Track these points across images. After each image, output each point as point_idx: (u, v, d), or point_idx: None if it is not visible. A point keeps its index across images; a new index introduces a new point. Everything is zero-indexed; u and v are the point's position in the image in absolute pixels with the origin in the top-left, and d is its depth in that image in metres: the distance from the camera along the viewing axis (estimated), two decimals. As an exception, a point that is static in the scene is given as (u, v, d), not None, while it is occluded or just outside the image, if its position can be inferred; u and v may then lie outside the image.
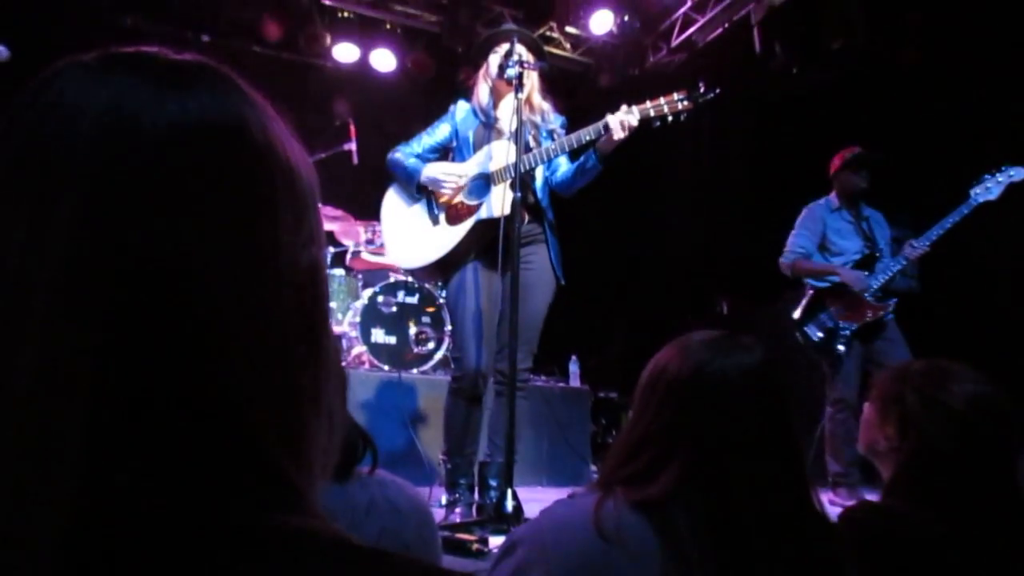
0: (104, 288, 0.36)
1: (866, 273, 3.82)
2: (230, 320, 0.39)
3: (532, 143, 2.89)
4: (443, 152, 3.05)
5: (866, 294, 3.76)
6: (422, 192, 2.98)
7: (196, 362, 0.37)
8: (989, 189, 3.59)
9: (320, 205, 0.48)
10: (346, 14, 5.81)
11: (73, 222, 0.36)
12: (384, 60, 5.97)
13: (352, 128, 4.48)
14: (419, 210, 3.01)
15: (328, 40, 5.79)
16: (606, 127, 2.73)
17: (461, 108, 3.05)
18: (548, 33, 6.24)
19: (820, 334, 3.85)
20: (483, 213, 2.86)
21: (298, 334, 0.43)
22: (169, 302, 0.37)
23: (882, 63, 4.79)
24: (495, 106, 3.00)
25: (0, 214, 0.37)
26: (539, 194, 2.95)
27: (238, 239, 0.40)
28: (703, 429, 1.00)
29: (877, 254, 3.85)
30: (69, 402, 0.35)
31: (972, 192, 3.61)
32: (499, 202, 2.81)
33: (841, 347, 3.78)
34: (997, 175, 3.60)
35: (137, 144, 0.38)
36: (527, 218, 2.89)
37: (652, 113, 2.78)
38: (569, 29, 6.27)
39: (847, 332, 3.80)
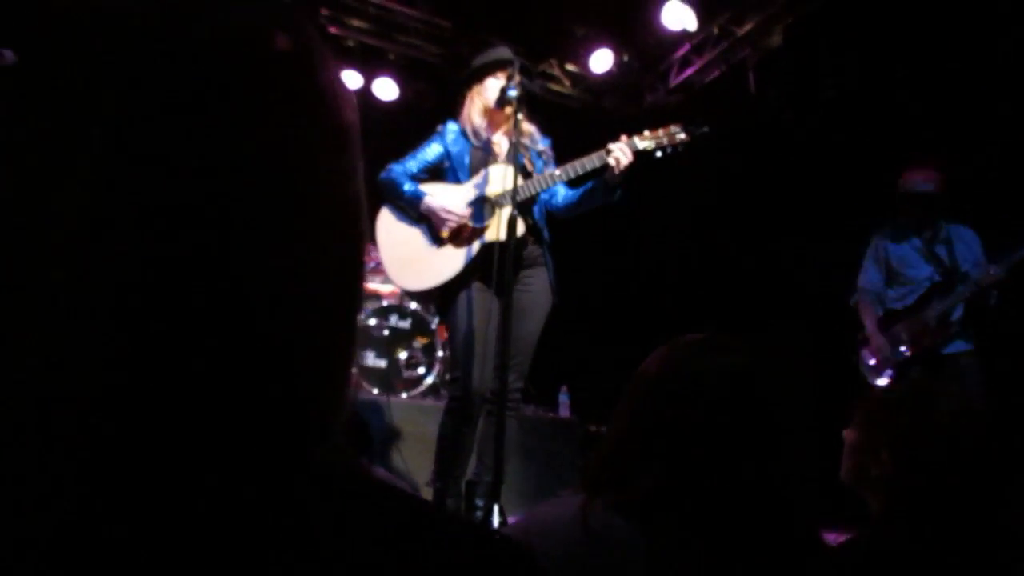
0: (137, 215, 0.34)
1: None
2: (269, 248, 0.37)
3: (528, 166, 2.92)
4: (434, 171, 3.07)
5: (932, 323, 3.52)
6: (423, 214, 2.99)
7: (226, 289, 0.36)
8: None
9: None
10: (350, 43, 5.90)
11: (104, 140, 0.34)
12: (386, 89, 6.05)
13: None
14: (420, 231, 3.00)
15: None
16: (608, 152, 2.78)
17: (450, 129, 3.08)
18: (548, 70, 6.34)
19: (872, 361, 3.70)
20: (486, 237, 2.89)
21: (336, 268, 0.42)
22: (205, 224, 0.35)
23: (876, 108, 4.87)
24: (488, 130, 3.03)
25: (36, 127, 0.34)
26: (537, 216, 2.99)
27: (276, 159, 0.38)
28: (681, 429, 1.00)
29: (954, 280, 3.55)
30: (100, 343, 0.33)
31: None
32: (500, 226, 2.83)
33: (889, 371, 3.64)
34: None
35: (179, 53, 0.36)
36: (530, 241, 2.92)
37: (652, 145, 2.83)
38: (569, 67, 6.38)
39: (902, 357, 3.62)
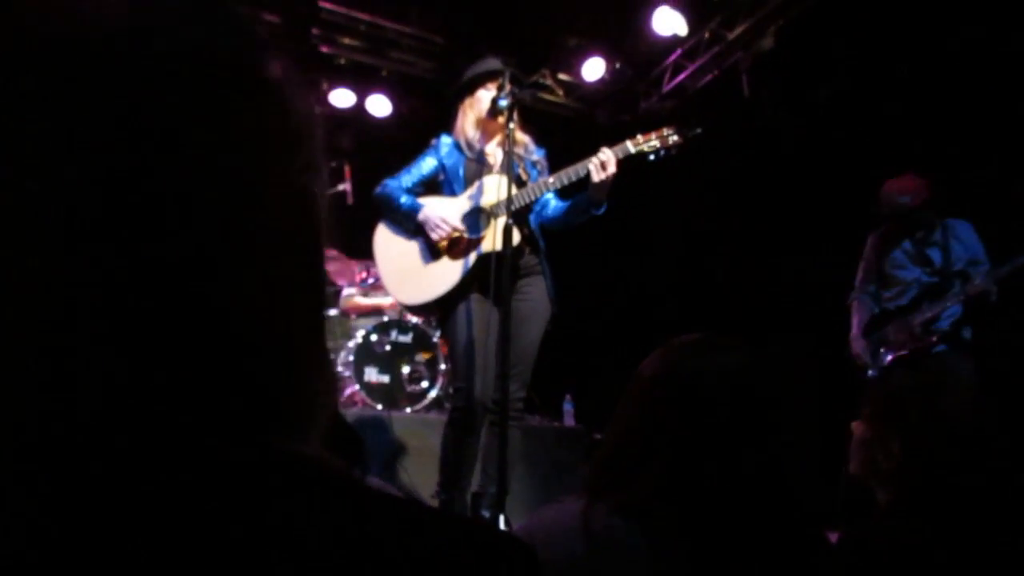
0: (85, 213, 0.35)
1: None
2: (218, 242, 0.38)
3: (523, 175, 2.93)
4: (429, 185, 3.08)
5: (916, 329, 3.55)
6: (419, 227, 3.00)
7: (184, 285, 0.36)
8: None
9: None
10: (342, 61, 5.92)
11: (59, 141, 0.35)
12: (380, 105, 6.06)
13: (347, 169, 4.53)
14: (417, 245, 3.01)
15: (324, 86, 5.89)
16: (597, 163, 2.78)
17: (444, 142, 3.09)
18: (541, 80, 6.36)
19: (866, 355, 3.74)
20: (483, 247, 2.89)
21: (293, 259, 0.42)
22: (154, 221, 0.36)
23: (870, 109, 4.89)
24: (482, 141, 3.04)
25: None
26: (532, 225, 2.99)
27: (228, 163, 0.39)
28: (679, 428, 1.00)
29: (938, 282, 3.58)
30: (62, 332, 0.34)
31: None
32: (496, 236, 2.83)
33: (871, 372, 3.68)
34: None
35: (139, 65, 0.37)
36: (527, 250, 2.93)
37: (645, 148, 2.84)
38: (562, 76, 6.40)
39: (885, 359, 3.66)
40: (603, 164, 2.75)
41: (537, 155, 3.07)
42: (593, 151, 2.85)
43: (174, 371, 0.36)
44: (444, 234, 2.90)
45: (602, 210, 2.87)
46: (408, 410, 4.35)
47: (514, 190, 2.72)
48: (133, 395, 0.35)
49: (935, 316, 3.53)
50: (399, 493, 0.95)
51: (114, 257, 0.35)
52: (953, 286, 3.54)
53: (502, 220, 2.73)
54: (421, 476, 3.84)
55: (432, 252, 2.97)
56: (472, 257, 2.90)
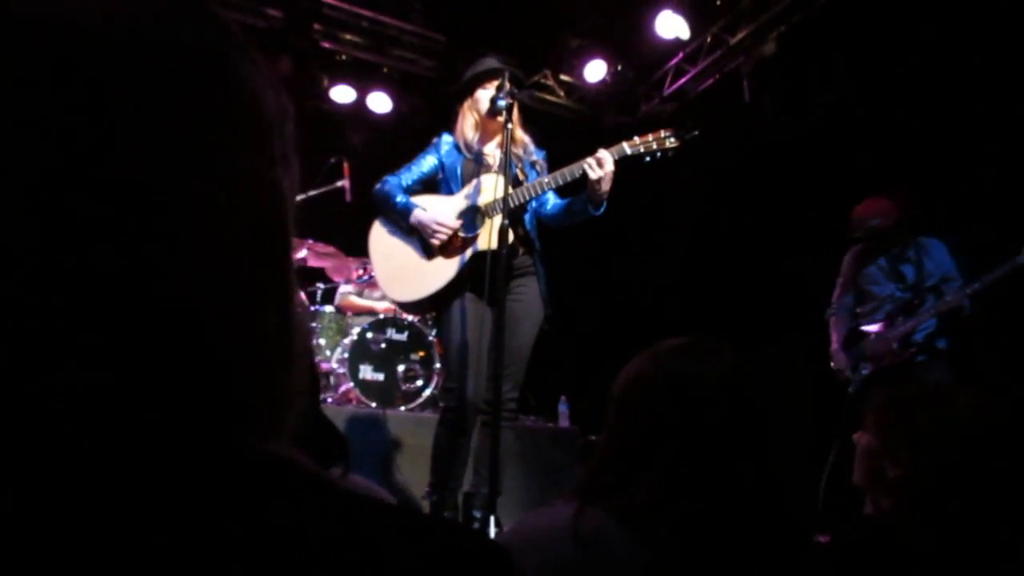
0: (48, 201, 0.34)
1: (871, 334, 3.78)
2: (184, 233, 0.37)
3: (520, 176, 2.93)
4: (428, 183, 3.09)
5: (894, 344, 3.67)
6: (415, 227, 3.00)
7: (149, 278, 0.36)
8: None
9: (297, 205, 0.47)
10: (343, 57, 5.91)
11: (15, 131, 0.34)
12: (380, 102, 6.06)
13: (346, 166, 4.53)
14: (412, 243, 3.01)
15: (325, 82, 5.88)
16: (594, 163, 2.78)
17: (445, 141, 3.10)
18: (543, 81, 6.36)
19: (847, 369, 3.84)
20: (478, 245, 2.88)
21: (259, 254, 0.41)
22: (118, 214, 0.35)
23: (870, 114, 4.89)
24: (481, 141, 3.05)
25: None
26: (528, 225, 2.99)
27: (192, 155, 0.38)
28: (680, 435, 0.99)
29: (912, 298, 3.70)
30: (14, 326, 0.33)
31: (1020, 257, 3.34)
32: (491, 235, 2.83)
33: (851, 389, 3.78)
34: None
35: (88, 55, 0.36)
36: (521, 251, 2.92)
37: (642, 149, 2.84)
38: (563, 77, 6.40)
39: (864, 372, 3.77)
40: (599, 162, 2.75)
41: (537, 156, 3.06)
42: (592, 152, 2.85)
43: (135, 371, 0.35)
44: (443, 238, 2.90)
45: (601, 211, 2.86)
46: (403, 408, 4.34)
47: (510, 190, 2.72)
48: (94, 397, 0.34)
49: (911, 330, 3.64)
50: (377, 494, 0.94)
51: (69, 251, 0.34)
52: (926, 301, 3.66)
53: (497, 219, 2.73)
54: (415, 475, 3.83)
55: (426, 250, 2.97)
56: (466, 256, 2.90)
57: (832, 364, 3.94)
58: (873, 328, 3.80)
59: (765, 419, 1.02)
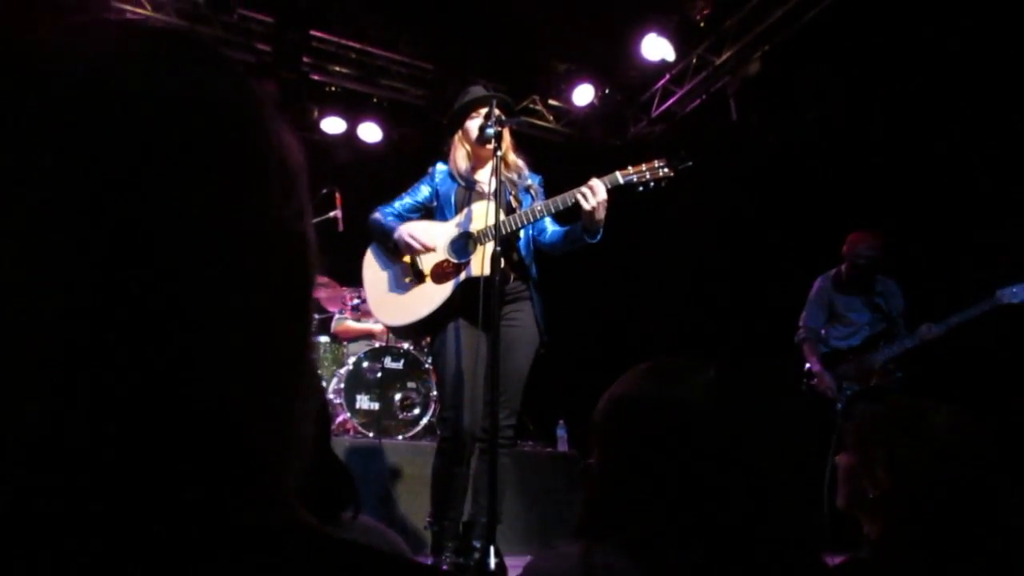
0: (78, 260, 0.34)
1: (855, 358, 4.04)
2: (214, 289, 0.37)
3: (513, 202, 2.94)
4: (423, 212, 3.10)
5: (878, 366, 3.94)
6: (403, 251, 3.00)
7: (177, 337, 0.36)
8: (1015, 293, 3.63)
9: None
10: (333, 88, 5.95)
11: (43, 193, 0.34)
12: (371, 132, 6.09)
13: (338, 196, 4.54)
14: (403, 268, 3.03)
15: (316, 113, 5.92)
16: (586, 191, 2.77)
17: (439, 170, 3.12)
18: (531, 106, 6.41)
19: (832, 387, 4.03)
20: (470, 271, 2.89)
21: (285, 307, 0.41)
22: (147, 270, 0.35)
23: (857, 132, 4.93)
24: (473, 169, 3.07)
25: None
26: (523, 252, 2.99)
27: (225, 207, 0.38)
28: (672, 459, 0.97)
29: (894, 328, 4.01)
30: (36, 387, 0.33)
31: (998, 292, 3.65)
32: (484, 261, 2.83)
33: (839, 405, 3.96)
34: None
35: (117, 113, 0.36)
36: (512, 277, 2.92)
37: (635, 179, 2.85)
38: (552, 102, 6.45)
39: (848, 392, 3.97)
40: (592, 191, 2.75)
41: (531, 180, 3.08)
42: (584, 176, 2.86)
43: (155, 425, 0.35)
44: (417, 248, 2.90)
45: (597, 238, 2.86)
46: (400, 437, 4.32)
47: (503, 216, 2.73)
48: (113, 450, 0.34)
49: (895, 355, 3.94)
50: (385, 537, 0.93)
51: (101, 303, 0.34)
52: (898, 330, 3.99)
53: (490, 246, 2.73)
54: (414, 504, 3.80)
55: (417, 276, 2.98)
56: (458, 280, 2.90)
57: (815, 383, 4.11)
58: (845, 349, 4.10)
59: (753, 436, 1.01)
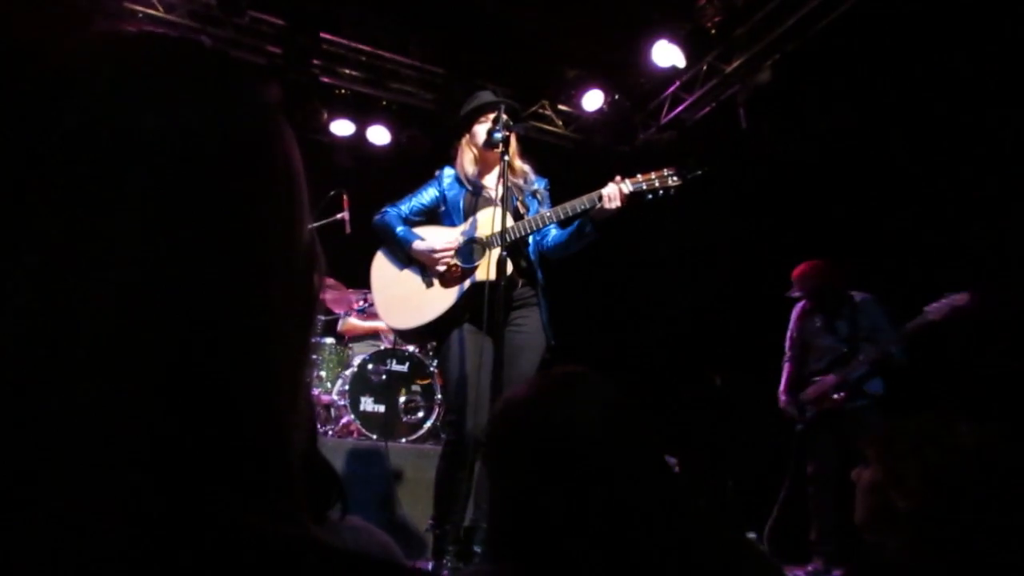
0: (99, 282, 0.35)
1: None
2: (238, 312, 0.38)
3: (520, 208, 2.94)
4: (429, 215, 3.11)
5: (830, 390, 4.16)
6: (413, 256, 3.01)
7: (203, 356, 0.37)
8: (936, 309, 3.81)
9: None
10: (343, 91, 5.96)
11: (59, 217, 0.35)
12: (379, 135, 6.10)
13: (345, 198, 4.54)
14: (411, 272, 3.03)
15: (325, 116, 5.93)
16: (600, 197, 2.80)
17: (447, 174, 3.13)
18: (540, 111, 6.41)
19: (792, 410, 4.37)
20: (476, 277, 2.89)
21: (294, 323, 0.42)
22: (174, 285, 0.36)
23: (866, 141, 4.92)
24: (480, 174, 3.08)
25: None
26: (531, 257, 2.99)
27: (246, 230, 0.39)
28: (556, 480, 0.97)
29: (847, 350, 4.17)
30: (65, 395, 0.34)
31: (926, 309, 3.85)
32: (490, 267, 2.83)
33: (799, 426, 4.29)
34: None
35: (135, 141, 0.37)
36: (520, 282, 2.93)
37: (644, 187, 2.85)
38: (561, 107, 6.45)
39: (809, 415, 4.26)
40: (611, 197, 2.79)
41: (538, 185, 3.08)
42: (592, 181, 2.87)
43: (175, 441, 0.35)
44: (446, 263, 2.92)
45: (599, 233, 2.89)
46: (404, 440, 4.31)
47: (510, 222, 2.73)
48: (140, 467, 0.34)
49: (843, 379, 4.12)
50: (372, 536, 0.93)
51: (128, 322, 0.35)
52: (860, 352, 4.12)
53: (496, 252, 2.74)
54: (418, 508, 3.79)
55: (425, 280, 2.98)
56: (464, 286, 2.90)
57: (781, 406, 4.43)
58: (819, 377, 4.28)
59: (652, 434, 1.03)
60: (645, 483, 0.99)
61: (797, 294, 4.40)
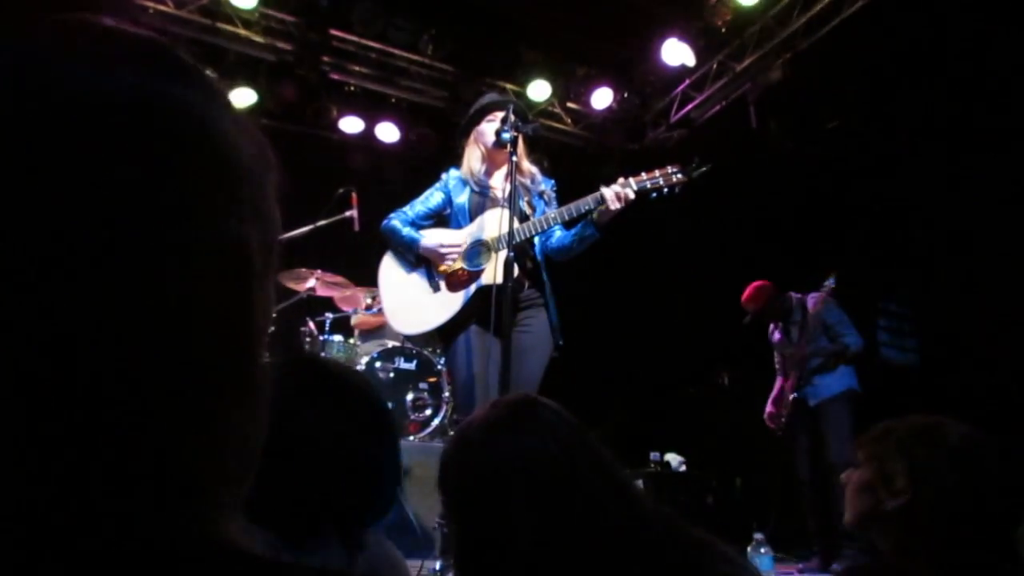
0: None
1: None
2: (130, 299, 0.35)
3: (527, 209, 2.94)
4: (436, 218, 3.10)
5: (789, 394, 4.39)
6: (421, 260, 3.02)
7: (88, 347, 0.34)
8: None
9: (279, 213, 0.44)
10: (352, 88, 5.97)
11: None
12: (388, 132, 6.10)
13: (354, 196, 4.54)
14: (418, 277, 3.04)
15: (334, 113, 5.94)
16: (602, 198, 2.79)
17: (453, 176, 3.12)
18: (549, 108, 6.40)
19: (771, 422, 4.53)
20: (483, 280, 2.89)
21: (215, 322, 0.38)
22: (72, 284, 0.33)
23: (876, 141, 4.89)
24: (488, 174, 3.06)
25: None
26: (537, 258, 2.99)
27: (146, 211, 0.36)
28: (544, 502, 0.99)
29: (795, 351, 4.42)
30: None
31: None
32: (497, 269, 2.83)
33: (779, 433, 4.48)
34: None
35: (36, 109, 0.35)
36: (526, 284, 2.92)
37: (648, 185, 2.84)
38: (570, 105, 6.44)
39: (784, 420, 4.43)
40: (616, 197, 2.78)
41: (544, 186, 3.08)
42: (600, 179, 2.86)
43: (76, 451, 0.33)
44: (455, 255, 2.92)
45: (601, 234, 2.89)
46: (412, 438, 4.32)
47: (517, 224, 2.72)
48: (35, 481, 0.33)
49: (798, 377, 4.34)
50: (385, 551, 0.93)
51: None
52: (816, 350, 4.34)
53: (503, 253, 2.73)
54: (424, 505, 3.79)
55: (432, 284, 2.99)
56: (471, 290, 2.91)
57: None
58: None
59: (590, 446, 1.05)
60: (603, 504, 1.00)
61: (748, 318, 4.65)
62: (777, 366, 4.66)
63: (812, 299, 4.43)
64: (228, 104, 0.42)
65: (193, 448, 0.37)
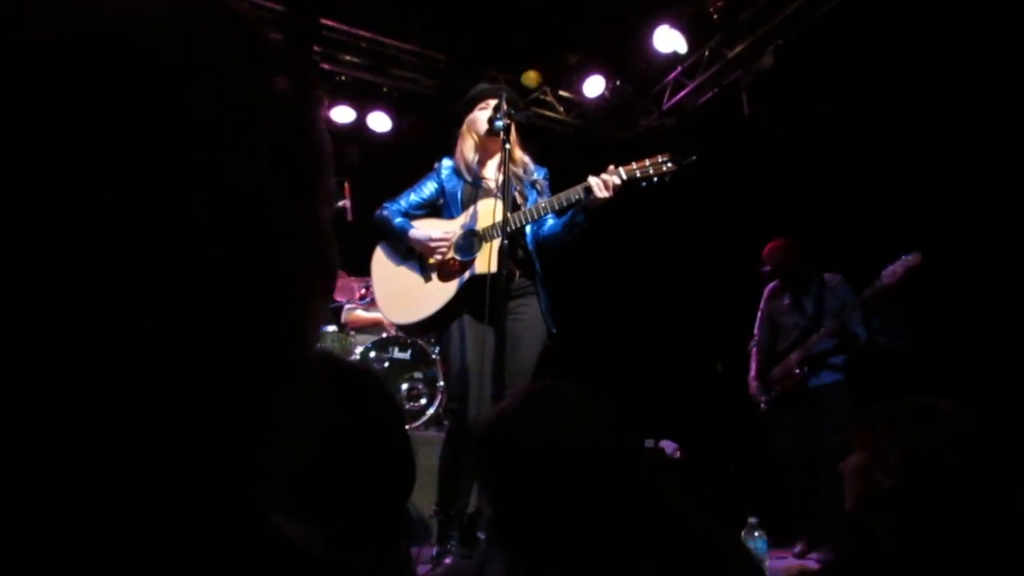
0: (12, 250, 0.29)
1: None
2: (195, 285, 0.32)
3: (518, 198, 2.94)
4: (429, 208, 3.10)
5: (795, 368, 4.16)
6: (413, 250, 3.02)
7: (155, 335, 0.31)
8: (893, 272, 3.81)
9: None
10: (343, 78, 5.94)
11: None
12: (380, 122, 6.08)
13: (347, 186, 4.53)
14: (410, 267, 3.04)
15: (325, 102, 5.91)
16: (588, 189, 2.79)
17: (445, 166, 3.12)
18: (541, 96, 6.39)
19: (759, 394, 4.39)
20: (475, 270, 2.90)
21: (288, 306, 0.36)
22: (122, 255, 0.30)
23: (869, 129, 4.90)
24: (480, 162, 3.06)
25: None
26: (529, 247, 2.99)
27: (230, 190, 0.33)
28: (575, 474, 1.06)
29: (808, 326, 4.20)
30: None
31: (881, 273, 3.86)
32: (490, 258, 2.84)
33: (763, 406, 4.34)
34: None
35: (152, 71, 0.32)
36: (518, 273, 2.93)
37: (638, 174, 2.85)
38: (562, 93, 6.43)
39: (773, 395, 4.29)
40: (605, 183, 2.78)
41: (537, 175, 3.08)
42: (593, 168, 2.87)
43: (144, 445, 0.31)
44: (443, 250, 2.92)
45: (589, 221, 2.89)
46: (407, 427, 4.32)
47: (509, 214, 2.73)
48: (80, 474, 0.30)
49: (805, 354, 4.12)
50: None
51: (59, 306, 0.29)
52: (811, 336, 4.14)
53: (496, 243, 2.74)
54: (420, 493, 3.79)
55: (424, 274, 2.99)
56: (463, 279, 2.91)
57: (750, 391, 4.43)
58: (779, 354, 4.31)
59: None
60: (627, 472, 1.07)
61: (767, 269, 4.44)
62: (757, 332, 4.49)
63: (831, 277, 4.25)
64: (321, 99, 0.41)
65: (258, 443, 0.36)
